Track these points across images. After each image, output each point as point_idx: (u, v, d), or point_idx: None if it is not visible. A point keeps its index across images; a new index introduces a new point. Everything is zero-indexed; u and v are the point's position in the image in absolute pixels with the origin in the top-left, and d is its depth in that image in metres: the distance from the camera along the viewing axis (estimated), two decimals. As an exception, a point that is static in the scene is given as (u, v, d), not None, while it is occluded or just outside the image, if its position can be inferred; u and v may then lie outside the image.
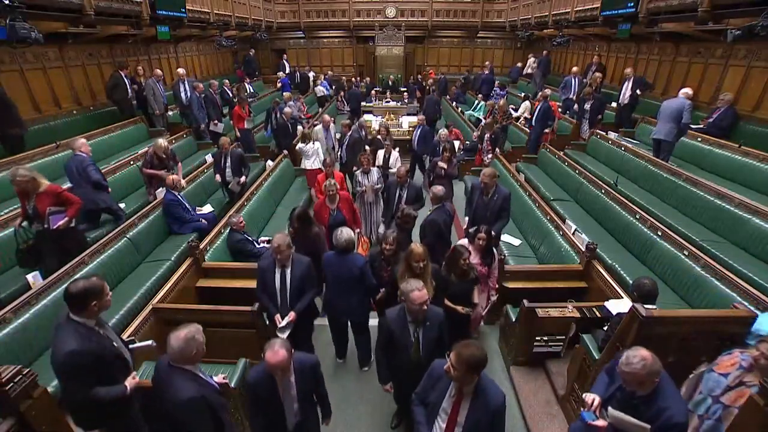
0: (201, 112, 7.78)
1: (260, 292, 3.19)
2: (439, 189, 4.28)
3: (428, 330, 2.55)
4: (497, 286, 3.80)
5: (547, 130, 8.03)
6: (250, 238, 4.56)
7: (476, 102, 11.80)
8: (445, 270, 3.31)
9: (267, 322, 3.39)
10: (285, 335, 2.99)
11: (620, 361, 1.93)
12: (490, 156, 7.27)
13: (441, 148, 5.87)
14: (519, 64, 14.10)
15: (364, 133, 7.64)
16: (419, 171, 7.85)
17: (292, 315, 3.10)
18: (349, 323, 3.67)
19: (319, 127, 7.41)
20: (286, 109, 8.16)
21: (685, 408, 1.93)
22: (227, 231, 4.59)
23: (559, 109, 9.14)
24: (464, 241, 3.62)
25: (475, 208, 4.45)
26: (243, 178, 5.82)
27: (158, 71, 7.85)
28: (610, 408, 2.01)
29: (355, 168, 5.54)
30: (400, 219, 3.92)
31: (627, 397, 1.99)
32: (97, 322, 2.22)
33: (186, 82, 7.81)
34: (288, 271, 3.07)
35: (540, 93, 8.59)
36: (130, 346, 2.49)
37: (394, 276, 3.28)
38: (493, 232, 4.06)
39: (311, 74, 14.03)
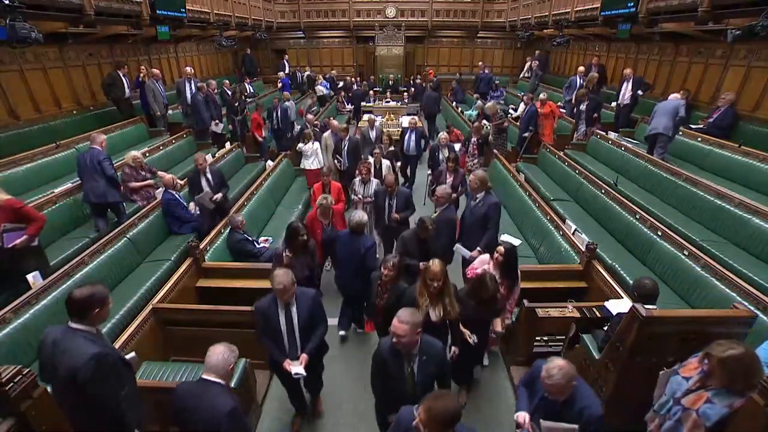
0: (207, 113, 7.80)
1: (262, 336, 2.79)
2: (443, 188, 4.12)
3: (424, 365, 2.30)
4: (514, 308, 3.53)
5: (525, 134, 7.82)
6: (250, 238, 4.56)
7: (474, 101, 11.84)
8: (465, 293, 3.00)
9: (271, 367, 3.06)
10: (301, 376, 2.76)
11: (542, 375, 2.04)
12: (476, 161, 6.87)
13: (445, 159, 5.42)
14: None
15: (375, 134, 7.21)
16: (412, 176, 7.57)
17: (304, 359, 2.74)
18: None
19: (328, 133, 6.94)
20: (309, 116, 8.05)
21: (599, 401, 2.08)
22: (227, 231, 4.59)
23: (562, 109, 9.11)
24: (485, 257, 3.36)
25: (463, 213, 4.25)
26: (219, 195, 4.90)
27: (156, 71, 7.83)
28: (542, 421, 2.13)
29: (357, 173, 5.23)
30: (419, 230, 3.57)
31: (550, 405, 2.11)
32: (96, 330, 2.17)
33: (192, 81, 7.80)
34: (294, 309, 2.70)
35: (526, 96, 8.38)
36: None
37: (390, 304, 3.00)
38: (478, 248, 3.94)
39: (308, 74, 13.93)
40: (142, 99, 7.82)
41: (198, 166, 4.92)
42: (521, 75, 13.70)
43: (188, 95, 7.72)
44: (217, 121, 8.01)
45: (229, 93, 8.99)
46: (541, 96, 8.08)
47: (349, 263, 3.68)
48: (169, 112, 8.17)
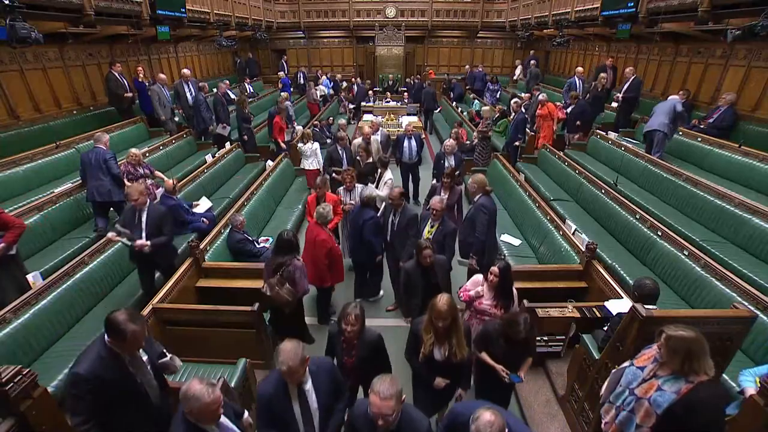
0: (208, 113, 7.78)
1: (265, 428, 2.18)
2: (438, 199, 3.83)
3: None
4: None
5: (516, 143, 7.72)
6: (250, 238, 4.56)
7: (472, 101, 11.89)
8: (496, 329, 2.63)
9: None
10: None
11: None
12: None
13: (449, 167, 5.10)
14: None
15: (380, 139, 6.60)
16: (415, 187, 6.99)
17: None
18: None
19: (375, 137, 6.33)
20: (341, 121, 7.88)
21: None
22: (227, 231, 4.59)
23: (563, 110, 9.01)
24: (479, 278, 3.12)
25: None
26: (144, 243, 3.62)
27: (162, 75, 7.80)
28: None
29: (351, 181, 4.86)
30: (416, 254, 3.20)
31: None
32: (121, 351, 2.05)
33: (191, 83, 7.79)
34: (308, 389, 2.14)
35: (514, 103, 8.12)
36: (160, 361, 2.30)
37: (365, 357, 2.54)
38: (471, 255, 3.85)
39: (301, 72, 13.95)
40: (142, 100, 7.81)
41: (131, 201, 3.68)
42: (514, 77, 13.73)
43: (189, 97, 7.70)
44: (224, 124, 7.96)
45: (230, 93, 8.99)
46: (540, 97, 8.01)
47: (354, 230, 4.18)
48: (176, 118, 8.06)
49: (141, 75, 7.84)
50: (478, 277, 3.15)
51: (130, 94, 7.42)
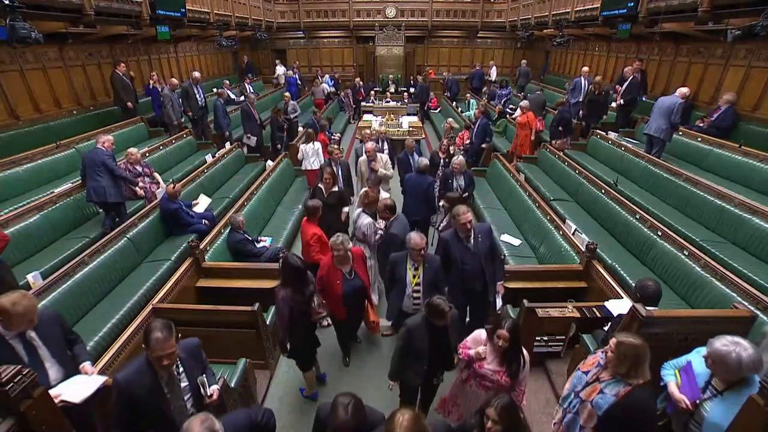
0: (225, 119, 7.78)
1: None
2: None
3: None
4: (524, 402, 2.68)
5: (483, 145, 7.67)
6: (250, 238, 4.56)
7: (469, 102, 11.84)
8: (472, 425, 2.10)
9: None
10: None
11: None
12: None
13: (459, 188, 4.95)
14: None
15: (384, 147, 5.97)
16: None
17: None
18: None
19: (363, 158, 5.51)
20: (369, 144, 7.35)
21: None
22: (227, 231, 4.59)
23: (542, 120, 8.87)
24: (480, 336, 2.60)
25: (461, 262, 3.32)
26: (91, 370, 2.45)
27: (174, 80, 7.79)
28: None
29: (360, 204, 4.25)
30: (431, 313, 2.54)
31: None
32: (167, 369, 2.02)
33: (199, 85, 7.78)
34: None
35: (477, 109, 7.94)
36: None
37: None
38: (501, 283, 3.49)
39: (290, 70, 14.00)
40: (154, 106, 7.79)
41: (9, 327, 2.14)
42: (490, 78, 13.73)
43: (198, 99, 7.70)
44: (249, 134, 7.94)
45: (230, 94, 8.99)
46: (522, 104, 7.93)
47: (415, 197, 4.73)
48: (182, 118, 7.98)
49: (153, 81, 7.83)
50: (481, 335, 2.61)
51: (131, 105, 7.47)
